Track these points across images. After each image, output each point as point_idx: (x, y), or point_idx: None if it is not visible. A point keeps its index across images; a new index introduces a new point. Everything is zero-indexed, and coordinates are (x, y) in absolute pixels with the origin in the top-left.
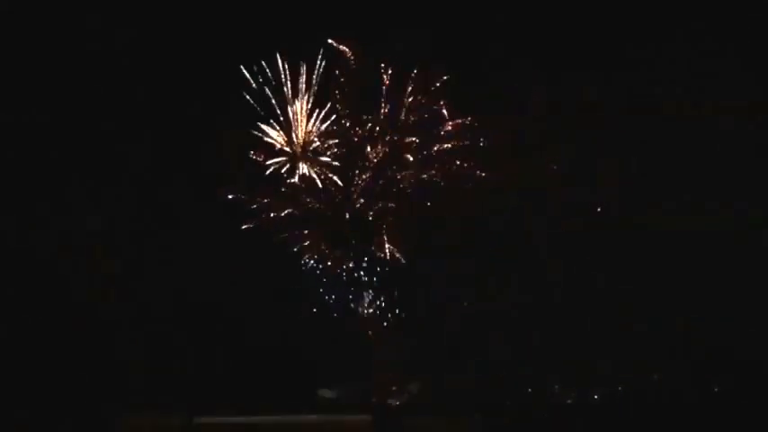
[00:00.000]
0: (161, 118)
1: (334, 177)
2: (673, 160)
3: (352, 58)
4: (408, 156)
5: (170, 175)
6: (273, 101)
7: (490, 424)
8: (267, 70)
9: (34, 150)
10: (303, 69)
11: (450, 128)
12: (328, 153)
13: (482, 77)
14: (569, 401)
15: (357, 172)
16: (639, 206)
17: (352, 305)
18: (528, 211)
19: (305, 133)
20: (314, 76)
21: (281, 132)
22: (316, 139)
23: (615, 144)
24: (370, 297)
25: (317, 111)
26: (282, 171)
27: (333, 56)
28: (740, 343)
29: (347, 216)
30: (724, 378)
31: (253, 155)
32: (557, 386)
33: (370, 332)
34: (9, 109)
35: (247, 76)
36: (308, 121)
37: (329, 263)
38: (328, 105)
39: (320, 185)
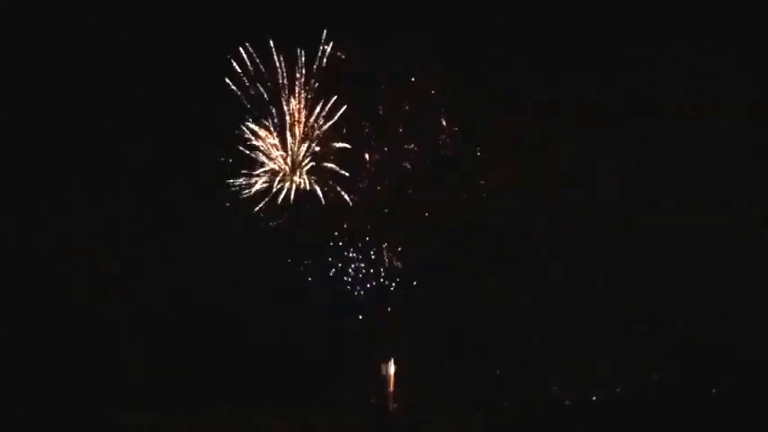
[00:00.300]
0: (161, 118)
1: (337, 187)
2: (673, 160)
3: (344, 57)
4: (407, 164)
5: (170, 175)
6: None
7: (490, 424)
8: (262, 67)
9: (34, 150)
10: (302, 65)
11: (448, 139)
12: (325, 160)
13: (482, 77)
14: (569, 402)
15: (356, 179)
16: (639, 206)
17: (352, 306)
18: (528, 211)
19: (302, 135)
20: (312, 74)
21: (276, 136)
22: (315, 145)
23: (615, 144)
24: (371, 298)
25: (318, 111)
26: (276, 182)
27: (330, 57)
28: (740, 343)
29: (345, 226)
30: (724, 378)
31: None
32: (556, 386)
33: (369, 333)
34: (9, 109)
35: (237, 69)
36: (306, 122)
37: (328, 262)
38: (330, 104)
39: (322, 199)
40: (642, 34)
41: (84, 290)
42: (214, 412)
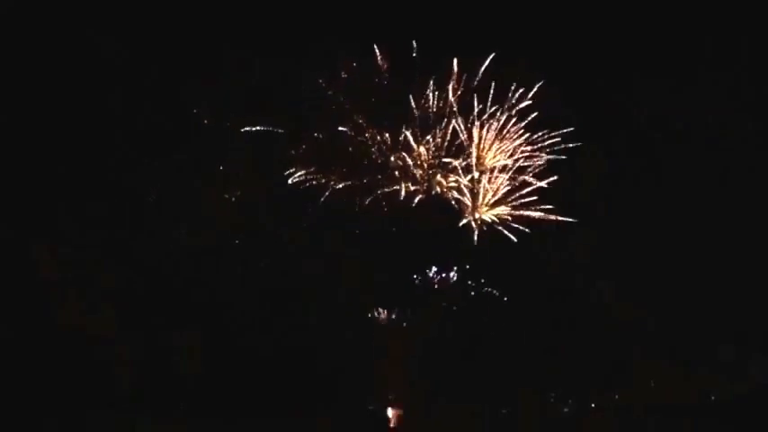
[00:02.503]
0: (161, 118)
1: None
2: (673, 160)
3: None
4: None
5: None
6: None
7: (491, 424)
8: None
9: (34, 150)
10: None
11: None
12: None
13: (484, 78)
14: (569, 403)
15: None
16: (639, 206)
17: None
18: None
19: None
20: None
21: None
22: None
23: (616, 144)
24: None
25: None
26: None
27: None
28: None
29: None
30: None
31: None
32: (556, 390)
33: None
34: (9, 109)
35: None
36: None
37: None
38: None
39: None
40: (643, 36)
41: (83, 290)
42: (213, 413)
